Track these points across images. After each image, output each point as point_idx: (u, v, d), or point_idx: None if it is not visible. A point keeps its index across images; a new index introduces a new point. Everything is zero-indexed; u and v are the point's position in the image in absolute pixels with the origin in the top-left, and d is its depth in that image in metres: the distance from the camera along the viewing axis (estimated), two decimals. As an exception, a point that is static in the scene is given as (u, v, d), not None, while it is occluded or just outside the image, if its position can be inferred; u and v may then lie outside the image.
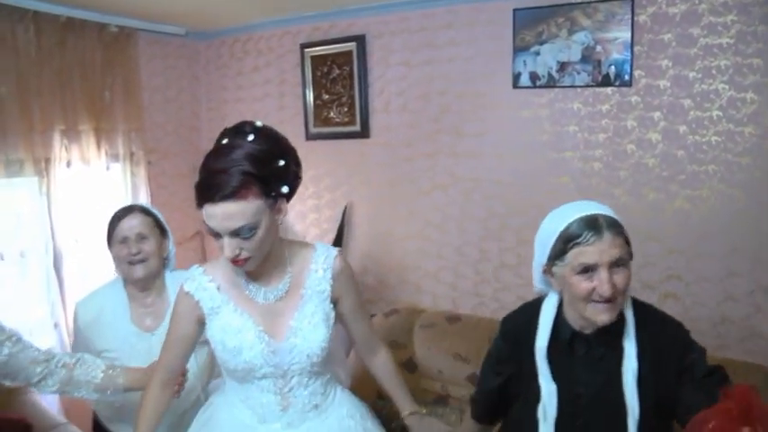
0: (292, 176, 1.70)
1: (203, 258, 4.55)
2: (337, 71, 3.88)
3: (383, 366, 2.06)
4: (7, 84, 3.19)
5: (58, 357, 2.04)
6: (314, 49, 3.95)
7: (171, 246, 2.44)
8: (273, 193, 1.64)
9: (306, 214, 4.16)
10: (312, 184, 4.06)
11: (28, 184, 3.37)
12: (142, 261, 2.29)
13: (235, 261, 1.65)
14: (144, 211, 2.38)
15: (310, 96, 4.02)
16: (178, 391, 1.96)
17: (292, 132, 3.95)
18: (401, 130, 3.71)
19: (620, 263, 1.52)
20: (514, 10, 3.21)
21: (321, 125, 4.00)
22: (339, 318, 1.92)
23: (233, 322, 1.75)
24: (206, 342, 1.86)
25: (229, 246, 1.61)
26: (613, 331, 1.59)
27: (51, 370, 1.99)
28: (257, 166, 1.59)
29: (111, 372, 2.08)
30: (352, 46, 3.78)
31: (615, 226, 1.54)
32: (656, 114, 2.95)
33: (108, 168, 3.77)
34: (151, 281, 2.34)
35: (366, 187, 3.88)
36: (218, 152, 1.63)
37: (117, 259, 2.32)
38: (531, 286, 1.82)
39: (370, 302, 3.86)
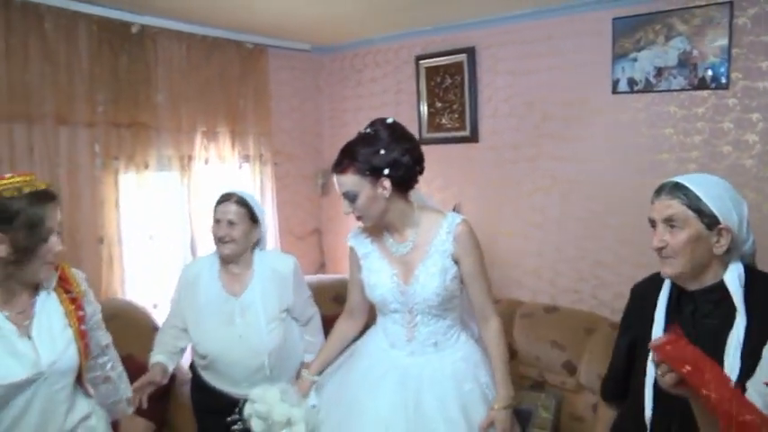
0: (395, 163, 2.15)
1: (321, 252, 4.94)
2: (449, 81, 4.16)
3: (490, 338, 2.34)
4: (163, 92, 3.73)
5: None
6: (428, 60, 4.25)
7: (263, 230, 2.84)
8: (369, 173, 2.14)
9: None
10: (424, 185, 4.24)
11: (173, 177, 3.85)
12: (228, 242, 2.69)
13: (356, 218, 2.23)
14: (239, 201, 2.74)
15: (424, 104, 4.31)
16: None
17: None
18: (507, 134, 3.93)
19: (672, 222, 1.74)
20: (613, 19, 3.37)
21: (434, 131, 4.28)
22: (461, 279, 2.28)
23: (375, 265, 2.33)
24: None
25: (344, 204, 2.22)
26: (717, 292, 1.75)
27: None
28: (360, 152, 2.16)
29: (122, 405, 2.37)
30: (462, 57, 4.05)
31: (676, 190, 1.76)
32: (755, 116, 3.03)
33: (240, 167, 4.22)
34: (236, 258, 2.74)
35: (473, 188, 4.12)
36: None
37: (213, 235, 2.74)
38: (630, 284, 2.09)
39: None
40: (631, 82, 3.38)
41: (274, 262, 2.85)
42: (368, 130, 2.21)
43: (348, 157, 2.16)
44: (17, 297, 1.92)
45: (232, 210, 2.71)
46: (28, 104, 3.20)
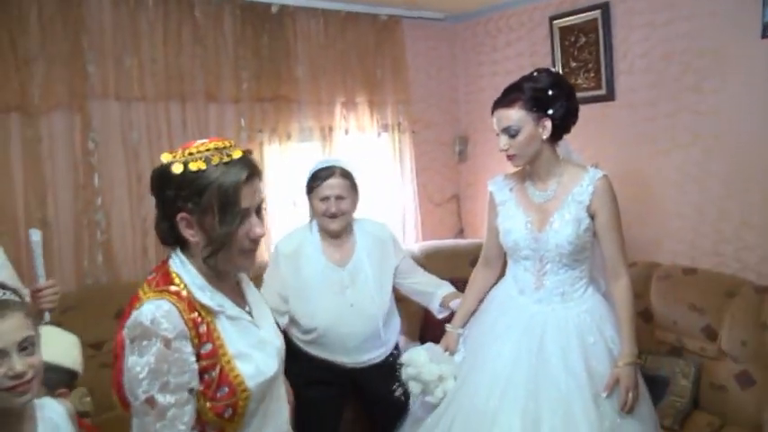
0: (558, 106, 2.30)
1: (459, 218, 5.03)
2: (583, 39, 4.08)
3: (619, 294, 2.39)
4: (303, 66, 4.00)
5: None
6: (561, 20, 4.19)
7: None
8: (535, 109, 2.26)
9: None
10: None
11: (314, 148, 4.10)
12: (339, 217, 2.78)
13: (508, 157, 2.34)
14: (344, 173, 2.83)
15: (559, 65, 4.25)
16: None
17: None
18: (644, 91, 3.81)
19: None
20: (762, -45, 3.13)
21: (569, 92, 4.24)
22: (596, 233, 2.36)
23: (511, 211, 2.44)
24: None
25: (502, 141, 2.31)
26: None
27: None
28: (529, 89, 2.28)
29: None
30: (596, 14, 3.96)
31: None
32: None
33: (379, 136, 4.41)
34: (343, 230, 2.83)
35: (610, 147, 4.02)
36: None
37: (317, 212, 2.80)
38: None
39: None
40: (783, 24, 3.14)
41: (372, 228, 2.96)
42: (534, 74, 2.35)
43: (517, 92, 2.29)
44: (227, 284, 1.68)
45: (339, 184, 2.78)
46: (182, 84, 3.58)
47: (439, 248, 4.26)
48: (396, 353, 2.90)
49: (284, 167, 3.91)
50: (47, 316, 2.15)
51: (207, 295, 1.55)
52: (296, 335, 2.83)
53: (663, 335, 3.43)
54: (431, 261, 3.94)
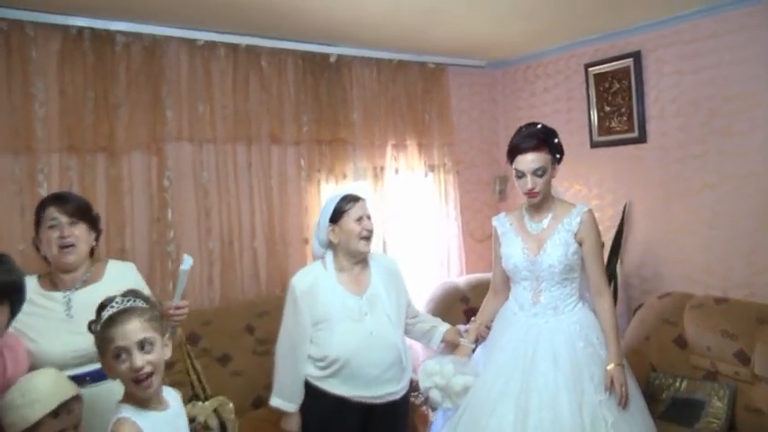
0: (561, 151, 2.76)
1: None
2: (617, 85, 4.38)
3: (601, 307, 2.76)
4: (358, 111, 4.38)
5: None
6: (596, 67, 4.51)
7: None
8: (555, 155, 2.71)
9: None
10: (596, 187, 4.59)
11: (367, 186, 4.43)
12: (371, 237, 2.85)
13: (531, 193, 2.71)
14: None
15: (594, 110, 4.56)
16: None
17: (579, 141, 4.66)
18: (674, 133, 4.07)
19: None
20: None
21: (604, 134, 4.52)
22: (582, 257, 2.77)
23: (510, 240, 2.87)
24: None
25: (531, 180, 2.68)
26: None
27: None
28: (547, 136, 2.71)
29: None
30: (629, 62, 4.27)
31: None
32: None
33: (426, 176, 4.73)
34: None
35: (643, 188, 4.29)
36: (523, 130, 2.75)
37: (352, 234, 2.78)
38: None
39: (645, 292, 4.24)
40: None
41: (384, 261, 3.04)
42: (539, 125, 2.76)
43: (542, 140, 2.69)
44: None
45: (367, 206, 2.89)
46: (248, 127, 3.97)
47: (482, 281, 4.47)
48: (410, 396, 2.99)
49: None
50: (173, 330, 2.41)
51: None
52: (311, 372, 2.77)
53: (697, 360, 3.58)
54: (475, 292, 4.22)
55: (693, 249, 4.03)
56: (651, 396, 3.31)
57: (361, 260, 2.88)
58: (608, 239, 4.08)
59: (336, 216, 2.81)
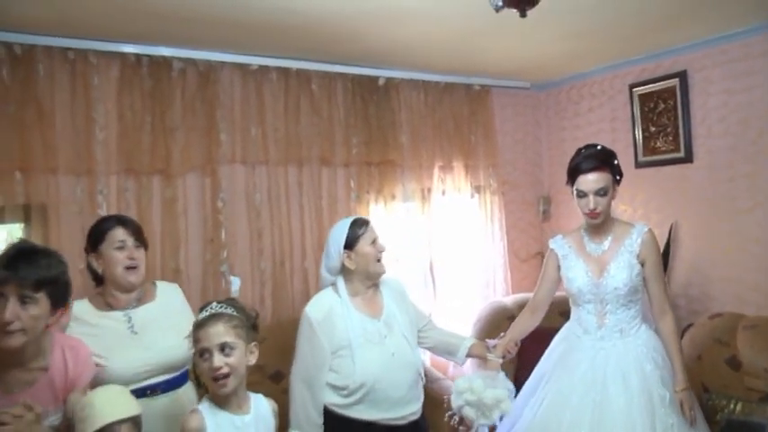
0: (620, 172, 2.86)
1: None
2: (662, 105, 4.40)
3: (665, 328, 2.85)
4: (406, 133, 4.46)
5: None
6: (641, 87, 4.54)
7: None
8: (615, 175, 2.79)
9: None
10: (642, 207, 4.58)
11: (415, 207, 4.51)
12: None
13: (593, 213, 2.77)
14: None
15: (639, 130, 4.58)
16: None
17: (624, 162, 4.52)
18: (722, 153, 4.07)
19: None
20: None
21: (649, 154, 4.53)
22: (644, 278, 2.81)
23: (572, 263, 2.92)
24: None
25: (593, 200, 2.74)
26: None
27: None
28: (607, 156, 2.81)
29: None
30: (675, 82, 4.29)
31: None
32: None
33: (472, 197, 4.79)
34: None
35: (690, 207, 4.28)
36: (583, 151, 2.85)
37: (368, 257, 2.83)
38: None
39: (693, 312, 4.20)
40: None
41: (390, 282, 3.03)
42: (599, 146, 2.86)
43: (603, 161, 2.77)
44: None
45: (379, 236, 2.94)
46: (299, 150, 4.06)
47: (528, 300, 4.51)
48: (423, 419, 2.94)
49: (388, 225, 4.28)
50: None
51: None
52: (334, 401, 2.72)
53: (752, 382, 3.49)
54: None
55: (743, 269, 4.01)
56: (705, 417, 3.26)
57: (373, 284, 2.90)
58: (655, 259, 4.05)
59: (351, 242, 2.82)
